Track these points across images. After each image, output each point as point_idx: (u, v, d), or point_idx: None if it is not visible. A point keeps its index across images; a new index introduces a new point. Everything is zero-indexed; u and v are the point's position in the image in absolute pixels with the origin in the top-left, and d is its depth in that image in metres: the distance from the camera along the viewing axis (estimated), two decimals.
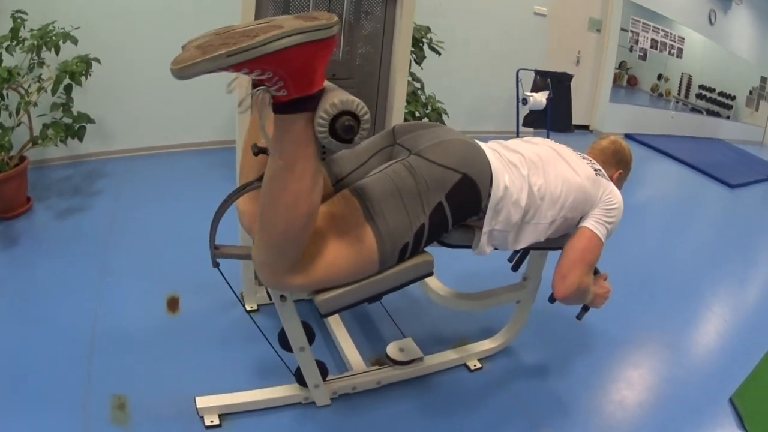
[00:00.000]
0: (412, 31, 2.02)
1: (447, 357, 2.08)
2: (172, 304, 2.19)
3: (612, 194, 1.67)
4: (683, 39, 7.96)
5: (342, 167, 1.54)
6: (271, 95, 1.07)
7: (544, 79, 4.89)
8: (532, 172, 1.54)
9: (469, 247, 1.58)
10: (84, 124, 2.85)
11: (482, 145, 1.55)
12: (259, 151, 1.27)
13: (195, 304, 2.21)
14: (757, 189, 6.23)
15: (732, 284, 3.38)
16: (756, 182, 6.44)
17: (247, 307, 2.22)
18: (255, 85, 1.29)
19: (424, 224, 1.37)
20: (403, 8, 1.97)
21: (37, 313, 2.08)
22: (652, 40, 7.30)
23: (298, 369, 1.72)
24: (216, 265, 1.44)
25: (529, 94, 4.68)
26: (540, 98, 4.65)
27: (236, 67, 0.98)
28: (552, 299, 1.81)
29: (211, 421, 1.65)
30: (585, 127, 6.50)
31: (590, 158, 1.78)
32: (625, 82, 7.15)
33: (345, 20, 1.95)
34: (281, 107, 1.08)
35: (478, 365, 2.11)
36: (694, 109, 8.85)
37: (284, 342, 1.64)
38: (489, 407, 1.92)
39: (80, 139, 2.88)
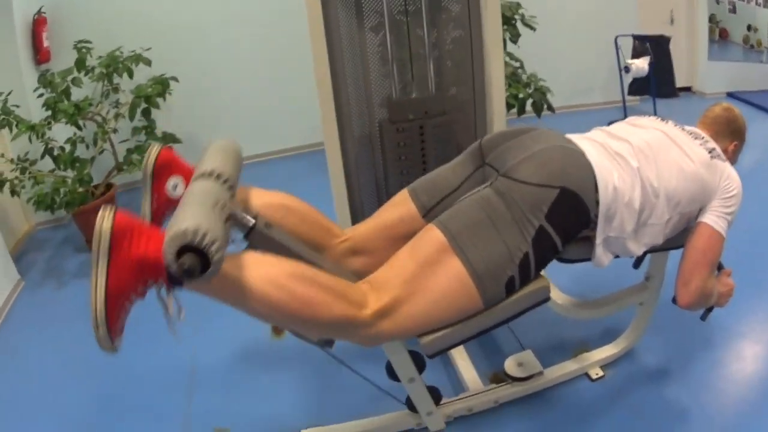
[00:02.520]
0: (500, 9, 1.80)
1: (567, 368, 1.89)
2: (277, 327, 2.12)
3: (730, 179, 1.45)
4: None
5: (431, 195, 1.40)
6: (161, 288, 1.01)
7: (643, 44, 4.69)
8: (643, 163, 1.34)
9: (589, 259, 1.41)
10: (170, 144, 2.85)
11: (581, 140, 1.38)
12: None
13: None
14: None
15: None
16: None
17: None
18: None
19: (528, 253, 1.20)
20: None
21: (137, 349, 1.99)
22: None
23: (408, 396, 1.60)
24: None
25: (630, 61, 4.50)
26: (642, 64, 4.46)
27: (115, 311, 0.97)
28: (675, 300, 1.60)
29: None
30: (687, 89, 6.10)
31: (702, 133, 1.54)
32: (717, 36, 6.68)
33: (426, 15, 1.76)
34: (173, 286, 1.01)
35: (600, 373, 1.92)
36: None
37: (392, 373, 1.51)
38: (613, 419, 1.74)
39: None
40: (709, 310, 1.66)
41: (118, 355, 1.01)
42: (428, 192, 1.40)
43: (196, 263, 0.92)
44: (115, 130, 2.67)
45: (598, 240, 1.31)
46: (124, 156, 2.74)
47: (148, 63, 2.70)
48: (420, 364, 1.49)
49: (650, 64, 4.51)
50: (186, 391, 1.84)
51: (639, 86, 4.84)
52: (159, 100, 2.71)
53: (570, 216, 1.24)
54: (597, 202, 1.26)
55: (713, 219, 1.40)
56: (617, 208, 1.28)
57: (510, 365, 1.83)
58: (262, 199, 1.30)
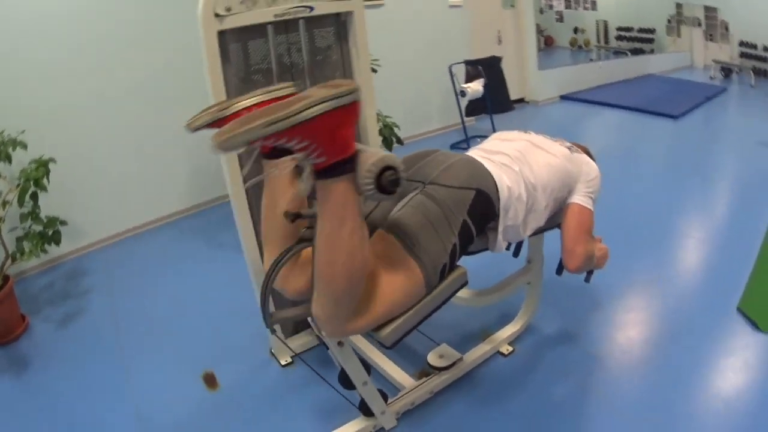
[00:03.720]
0: (369, 57, 2.11)
1: (482, 350, 2.21)
2: (210, 380, 2.20)
3: (588, 166, 1.88)
4: None
5: (364, 209, 1.64)
6: (311, 163, 1.14)
7: (476, 68, 5.08)
8: (521, 167, 1.71)
9: (487, 249, 1.74)
10: (57, 228, 2.80)
11: (474, 156, 1.72)
12: (295, 216, 1.33)
13: (230, 374, 2.24)
14: (699, 113, 6.59)
15: (699, 206, 3.69)
16: (697, 106, 6.77)
17: (282, 362, 2.26)
18: (266, 156, 1.36)
19: (455, 243, 1.50)
20: (357, 38, 2.06)
21: (79, 428, 2.04)
22: (566, 0, 7.64)
23: (361, 402, 1.81)
24: (273, 331, 1.49)
25: (465, 85, 4.86)
26: (476, 87, 4.84)
27: (276, 137, 1.05)
28: (559, 272, 2.03)
29: None
30: (521, 101, 6.70)
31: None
32: (543, 44, 7.39)
33: (306, 67, 2.02)
34: (323, 173, 1.16)
35: (511, 349, 2.26)
36: (618, 52, 9.19)
37: (345, 381, 1.71)
38: (532, 383, 2.08)
39: (57, 243, 2.82)
40: (591, 273, 2.05)
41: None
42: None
43: (397, 177, 1.17)
44: (2, 220, 2.58)
45: (500, 229, 1.64)
46: (15, 245, 2.65)
47: (24, 146, 2.64)
48: (367, 369, 1.71)
49: (485, 86, 4.93)
50: None
51: (476, 107, 5.24)
52: (44, 182, 2.66)
53: (484, 210, 1.56)
54: (498, 200, 1.59)
55: (580, 198, 1.81)
56: (511, 202, 1.63)
57: (433, 358, 2.10)
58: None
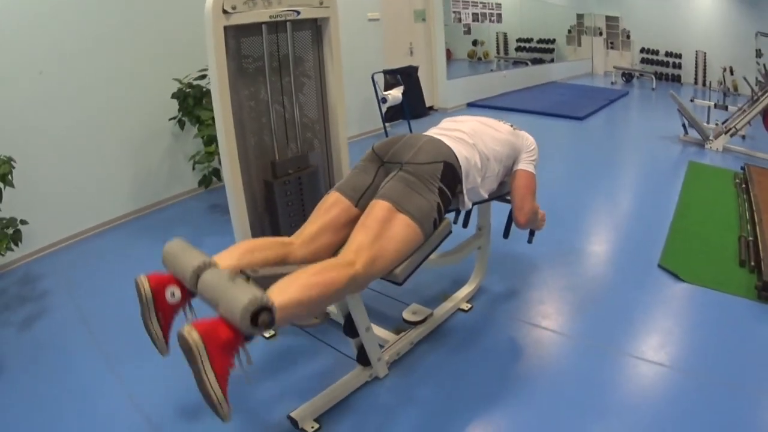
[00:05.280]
0: (341, 62, 2.42)
1: (446, 307, 2.57)
2: None
3: (528, 139, 2.34)
4: (500, 5, 9.07)
5: (357, 191, 1.96)
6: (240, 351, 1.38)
7: (394, 76, 5.49)
8: (476, 140, 2.11)
9: (457, 208, 2.13)
10: (18, 227, 2.78)
11: (435, 134, 2.10)
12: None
13: None
14: (603, 114, 7.46)
15: (615, 189, 4.35)
16: (601, 108, 7.65)
17: (266, 335, 2.45)
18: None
19: (439, 203, 1.87)
20: (331, 42, 2.37)
21: (81, 426, 2.03)
22: (473, 14, 8.29)
23: (358, 353, 2.08)
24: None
25: (386, 92, 5.25)
26: (396, 94, 5.26)
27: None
28: (506, 235, 2.47)
29: (312, 427, 1.91)
30: (431, 108, 7.23)
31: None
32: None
33: (291, 65, 2.29)
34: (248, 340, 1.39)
35: (470, 305, 2.64)
36: (517, 62, 9.97)
37: (349, 329, 1.98)
38: (490, 332, 2.46)
39: (17, 244, 2.79)
40: (532, 234, 2.48)
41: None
42: (354, 189, 1.95)
43: (267, 316, 1.32)
44: None
45: (465, 191, 2.02)
46: None
47: None
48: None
49: (403, 93, 5.38)
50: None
51: (394, 113, 5.71)
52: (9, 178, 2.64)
53: (452, 177, 1.93)
54: (460, 167, 1.96)
55: (525, 165, 2.24)
56: (470, 169, 2.01)
57: (407, 315, 2.42)
58: (232, 259, 1.67)
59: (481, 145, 2.09)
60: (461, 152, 1.99)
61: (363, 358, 2.10)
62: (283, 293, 1.44)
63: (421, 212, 1.79)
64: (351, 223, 1.85)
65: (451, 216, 2.47)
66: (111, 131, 3.78)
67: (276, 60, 2.24)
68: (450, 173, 1.92)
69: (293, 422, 1.90)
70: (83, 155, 3.65)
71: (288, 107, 2.34)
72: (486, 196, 2.16)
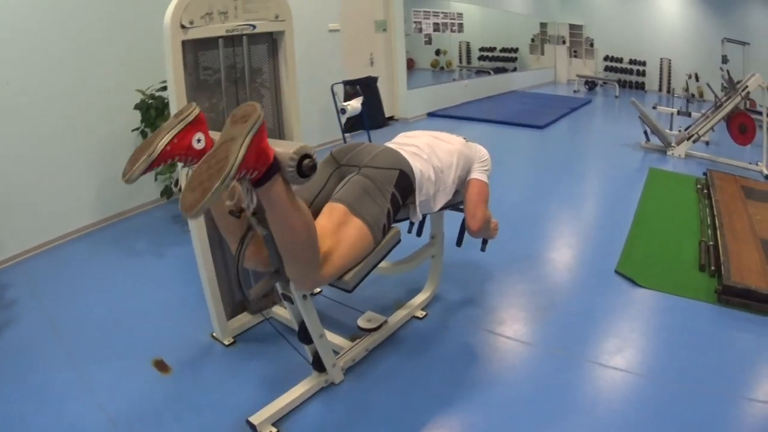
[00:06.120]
0: (296, 73, 2.47)
1: (401, 315, 2.64)
2: (161, 365, 2.36)
3: (480, 150, 2.43)
4: (461, 14, 9.18)
5: (310, 194, 2.01)
6: (249, 180, 1.43)
7: (354, 87, 5.56)
8: (429, 154, 2.18)
9: (407, 218, 2.18)
10: None
11: (393, 147, 2.16)
12: (240, 210, 1.57)
13: (179, 358, 2.40)
14: (565, 122, 7.57)
15: (573, 196, 4.46)
16: (562, 117, 7.75)
17: (226, 343, 2.48)
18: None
19: (389, 209, 1.93)
20: (286, 55, 2.42)
21: (46, 426, 2.02)
22: (434, 24, 8.42)
23: (314, 359, 2.13)
24: (255, 305, 1.77)
25: (345, 103, 5.27)
26: (356, 104, 5.27)
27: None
28: (459, 243, 2.54)
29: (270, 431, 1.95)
30: (391, 118, 7.31)
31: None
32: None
33: (247, 78, 2.34)
34: (259, 183, 1.44)
35: (424, 313, 2.71)
36: (480, 71, 10.06)
37: (303, 335, 2.03)
38: (444, 339, 2.53)
39: None
40: (485, 242, 2.57)
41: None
42: (308, 190, 1.99)
43: (310, 161, 1.43)
44: None
45: (417, 202, 2.08)
46: None
47: None
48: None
49: (363, 103, 5.35)
50: None
51: (354, 123, 5.70)
52: None
53: (405, 185, 1.99)
54: (414, 179, 2.03)
55: (478, 174, 2.32)
56: (423, 181, 2.08)
57: (362, 322, 2.47)
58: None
59: (435, 159, 2.17)
60: (416, 165, 2.06)
61: (318, 365, 2.14)
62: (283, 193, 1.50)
63: (373, 218, 1.85)
64: None
65: (404, 225, 2.54)
66: (77, 141, 3.73)
67: (233, 72, 2.28)
68: (404, 182, 1.99)
69: (252, 426, 1.94)
70: (49, 165, 3.60)
71: None
72: (436, 209, 2.23)
